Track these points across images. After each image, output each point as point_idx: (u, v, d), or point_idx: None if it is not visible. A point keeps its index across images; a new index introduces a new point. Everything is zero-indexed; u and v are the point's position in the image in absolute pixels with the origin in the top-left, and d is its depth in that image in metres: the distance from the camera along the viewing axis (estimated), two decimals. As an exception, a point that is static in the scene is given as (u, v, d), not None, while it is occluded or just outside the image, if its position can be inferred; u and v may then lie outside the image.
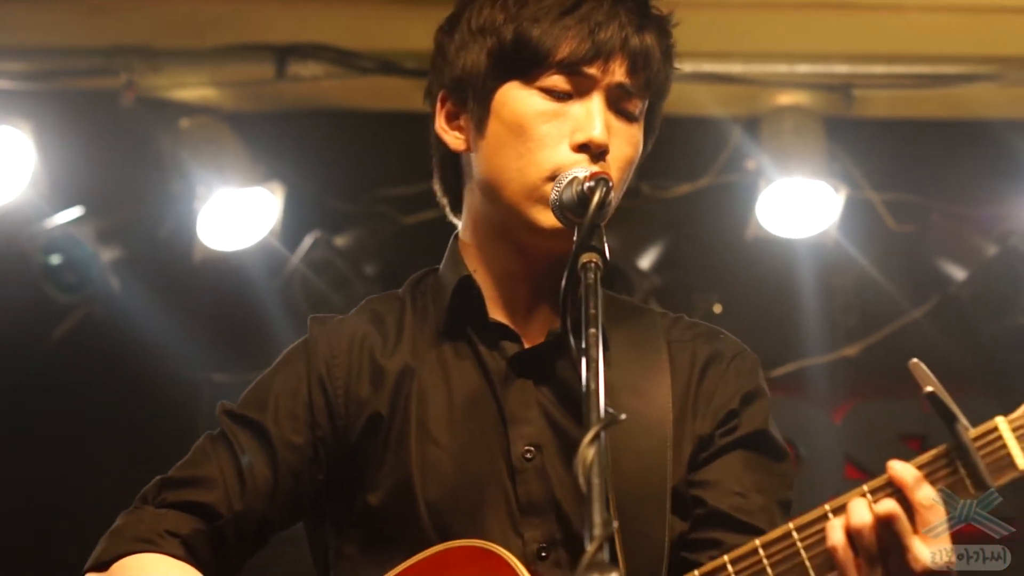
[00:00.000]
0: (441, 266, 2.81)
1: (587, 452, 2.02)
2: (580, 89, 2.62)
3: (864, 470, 6.04)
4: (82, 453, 5.91)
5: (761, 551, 2.39)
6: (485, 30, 2.67)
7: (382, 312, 2.78)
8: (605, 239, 2.39)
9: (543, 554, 2.59)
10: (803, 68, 5.97)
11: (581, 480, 2.00)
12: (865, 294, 6.23)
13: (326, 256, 6.09)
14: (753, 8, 5.80)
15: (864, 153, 6.15)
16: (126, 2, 5.81)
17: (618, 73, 2.62)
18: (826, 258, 6.10)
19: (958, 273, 6.11)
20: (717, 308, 6.12)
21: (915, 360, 2.37)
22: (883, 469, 2.35)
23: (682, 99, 5.65)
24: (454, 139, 2.73)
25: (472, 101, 2.68)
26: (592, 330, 2.24)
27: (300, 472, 2.68)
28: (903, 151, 6.21)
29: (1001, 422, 2.34)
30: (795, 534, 2.38)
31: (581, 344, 2.24)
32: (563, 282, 2.36)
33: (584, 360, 2.22)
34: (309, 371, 2.71)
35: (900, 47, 5.90)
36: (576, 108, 2.62)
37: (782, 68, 5.97)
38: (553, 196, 2.55)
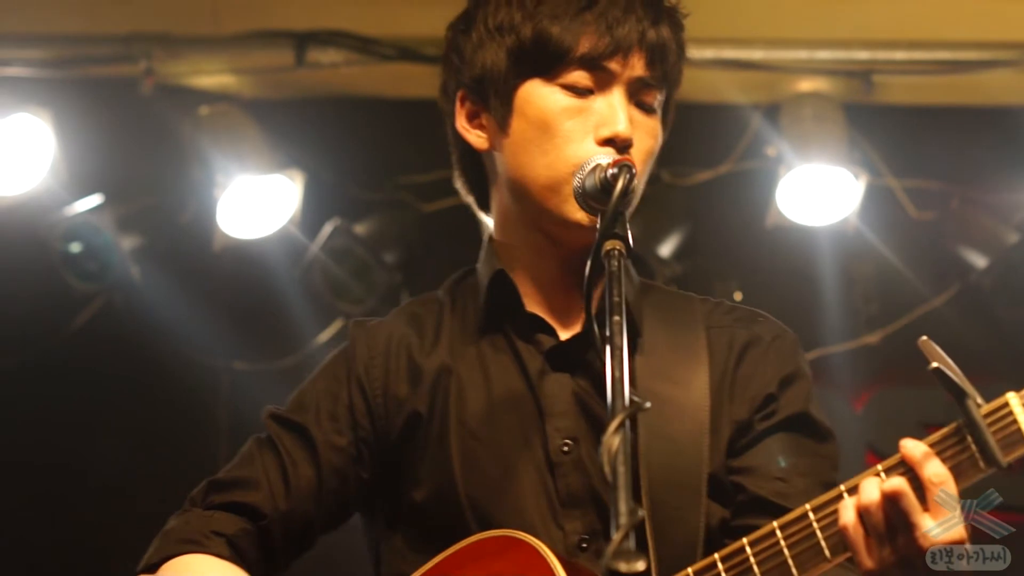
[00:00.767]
0: (478, 266, 2.83)
1: (612, 441, 2.03)
2: (601, 84, 2.65)
3: (885, 459, 5.99)
4: (103, 442, 5.91)
5: (779, 532, 2.40)
6: (503, 28, 2.68)
7: (420, 314, 2.81)
8: (629, 227, 2.39)
9: (584, 545, 2.61)
10: (823, 54, 5.95)
11: (607, 469, 2.00)
12: (886, 282, 6.20)
13: (346, 244, 6.09)
14: (773, -6, 5.80)
15: (884, 140, 6.13)
16: (145, -11, 5.83)
17: (637, 67, 2.65)
18: (846, 245, 6.08)
19: (979, 260, 6.08)
20: (737, 296, 6.09)
21: (924, 338, 2.36)
22: (903, 459, 2.33)
23: (702, 86, 5.72)
24: (476, 138, 2.75)
25: (494, 99, 2.70)
26: (616, 317, 2.24)
27: (344, 472, 2.72)
28: (923, 138, 6.19)
29: (1012, 397, 2.34)
30: (811, 515, 2.40)
31: (605, 332, 2.23)
32: (586, 270, 2.36)
33: (608, 348, 2.21)
34: (348, 374, 2.75)
35: (920, 33, 5.87)
36: (599, 103, 2.64)
37: (802, 54, 5.95)
38: (576, 183, 2.57)
